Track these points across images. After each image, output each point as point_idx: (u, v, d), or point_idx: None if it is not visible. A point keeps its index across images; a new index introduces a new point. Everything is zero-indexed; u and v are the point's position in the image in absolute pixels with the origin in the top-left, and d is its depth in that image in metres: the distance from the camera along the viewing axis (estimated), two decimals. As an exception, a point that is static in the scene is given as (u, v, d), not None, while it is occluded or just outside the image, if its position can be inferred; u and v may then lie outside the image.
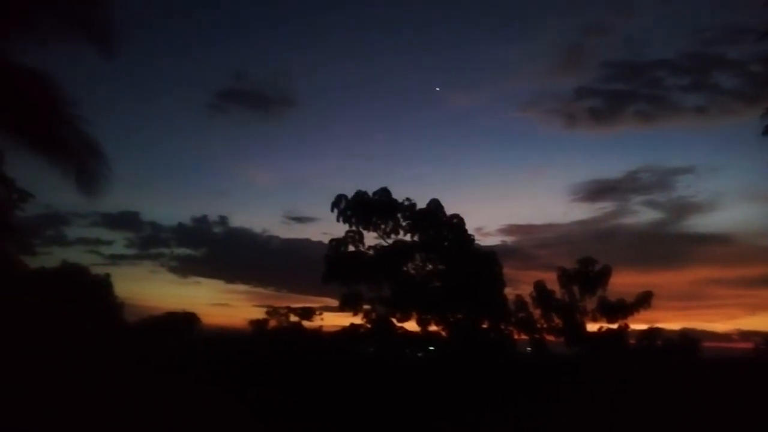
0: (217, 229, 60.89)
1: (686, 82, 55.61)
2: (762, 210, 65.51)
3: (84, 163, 11.19)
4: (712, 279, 51.09)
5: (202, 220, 60.05)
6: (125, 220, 56.65)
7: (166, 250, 58.18)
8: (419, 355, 25.71)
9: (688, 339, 25.18)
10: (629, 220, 59.36)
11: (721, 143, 63.81)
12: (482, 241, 28.43)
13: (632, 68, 56.85)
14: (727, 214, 61.93)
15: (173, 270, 57.61)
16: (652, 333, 24.87)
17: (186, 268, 57.21)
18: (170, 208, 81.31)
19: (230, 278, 54.08)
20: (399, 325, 24.21)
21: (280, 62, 77.71)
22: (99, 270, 29.65)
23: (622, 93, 55.17)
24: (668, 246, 54.72)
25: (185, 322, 32.52)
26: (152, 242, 58.50)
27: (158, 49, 69.68)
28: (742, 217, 68.11)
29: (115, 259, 54.12)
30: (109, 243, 54.84)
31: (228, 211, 70.44)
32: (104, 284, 27.73)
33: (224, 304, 54.02)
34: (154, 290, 57.68)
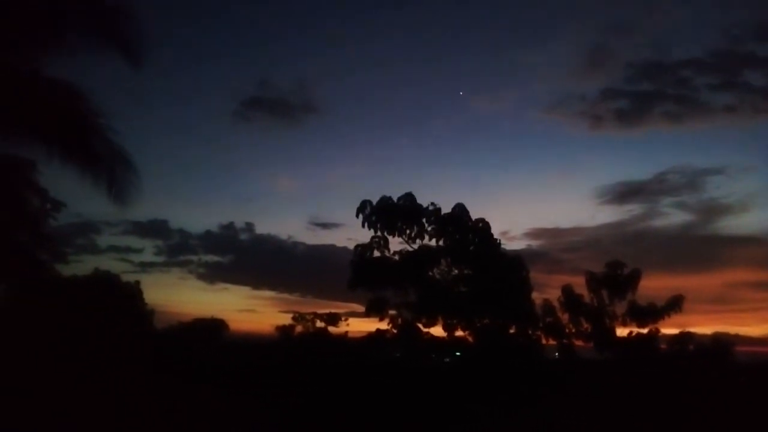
0: (243, 236, 61.78)
1: (715, 81, 54.56)
2: (795, 210, 63.77)
3: (114, 172, 11.48)
4: (745, 282, 49.93)
5: (228, 227, 61.03)
6: (154, 228, 57.95)
7: (194, 257, 59.30)
8: (446, 360, 25.59)
9: (721, 343, 24.54)
10: (658, 223, 58.43)
11: (753, 143, 62.41)
12: (508, 245, 28.34)
13: (659, 68, 56.04)
14: (759, 215, 60.43)
15: (201, 277, 58.61)
16: (684, 337, 24.31)
17: (213, 274, 58.15)
18: (198, 216, 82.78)
19: (257, 284, 54.77)
20: (425, 330, 24.11)
21: (302, 70, 78.66)
22: (129, 277, 30.36)
23: (648, 93, 54.43)
24: (699, 248, 53.66)
25: (213, 328, 32.98)
26: (181, 249, 59.70)
27: (184, 59, 71.10)
28: (775, 218, 66.37)
29: (145, 266, 55.37)
30: (139, 251, 56.17)
31: (254, 218, 71.52)
32: (134, 291, 28.25)
33: (251, 310, 54.72)
34: (183, 297, 58.79)
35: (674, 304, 23.84)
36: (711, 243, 52.03)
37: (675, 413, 19.22)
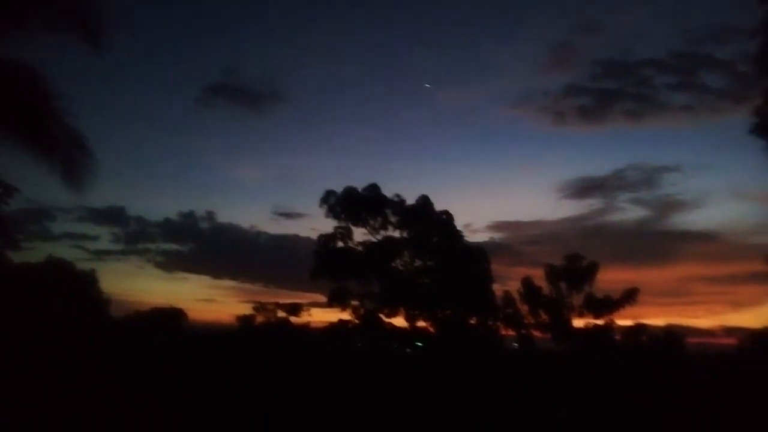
0: (204, 225, 60.68)
1: (674, 81, 56.24)
2: (748, 208, 66.52)
3: (70, 157, 11.07)
4: (697, 276, 51.79)
5: (189, 216, 59.79)
6: (111, 215, 56.28)
7: (152, 246, 57.86)
8: (407, 350, 25.78)
9: (673, 335, 25.45)
10: (616, 218, 60.05)
11: (708, 142, 64.70)
12: (471, 237, 28.65)
13: (621, 67, 57.33)
14: (713, 212, 62.94)
15: (159, 265, 57.31)
16: (638, 329, 25.09)
17: (172, 263, 56.95)
18: (157, 203, 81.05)
19: (217, 274, 53.92)
20: (387, 320, 24.25)
21: (269, 58, 77.50)
22: (85, 265, 29.43)
23: (610, 91, 55.66)
24: (654, 243, 55.41)
25: (171, 317, 32.33)
26: (138, 237, 58.17)
27: (146, 44, 69.22)
28: (728, 215, 69.18)
29: (101, 254, 53.75)
30: (95, 238, 54.46)
31: (215, 207, 70.41)
32: (90, 279, 27.45)
33: (211, 300, 53.90)
34: (140, 286, 57.44)
35: (629, 297, 24.53)
36: (665, 238, 53.82)
37: (629, 403, 19.82)
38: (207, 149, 79.34)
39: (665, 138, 68.43)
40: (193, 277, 57.32)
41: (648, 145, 69.73)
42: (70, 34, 10.33)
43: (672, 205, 56.02)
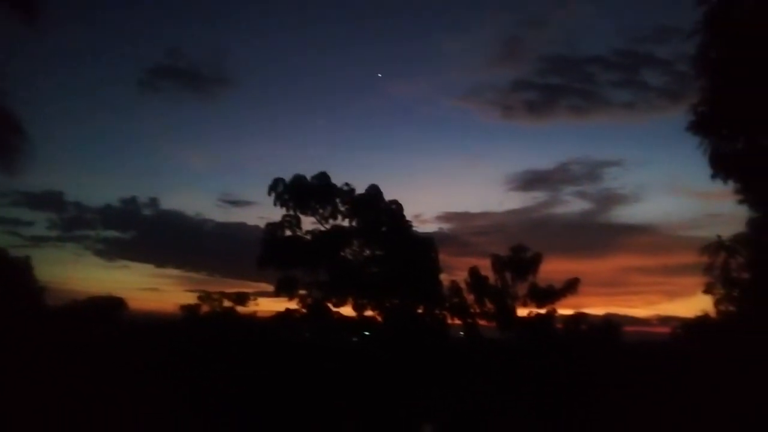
0: (146, 212, 58.71)
1: (616, 79, 58.18)
2: (683, 202, 69.72)
3: (2, 138, 10.50)
4: (635, 267, 53.93)
5: (130, 202, 57.71)
6: (48, 200, 53.70)
7: (91, 233, 55.58)
8: (354, 339, 25.79)
9: (611, 324, 26.36)
10: (560, 210, 61.75)
11: (648, 138, 67.21)
12: (420, 227, 28.82)
13: (567, 63, 58.86)
14: (650, 206, 65.43)
15: (99, 253, 55.14)
16: (578, 317, 25.87)
17: (113, 251, 54.90)
18: (97, 189, 77.87)
19: (160, 262, 52.30)
20: (335, 310, 24.15)
21: (216, 40, 75.38)
22: (18, 252, 28.00)
23: (556, 87, 57.00)
24: (595, 235, 57.32)
25: (110, 306, 31.23)
26: (77, 224, 55.74)
27: (87, 21, 66.02)
28: (665, 209, 72.21)
29: (37, 240, 51.25)
30: (30, 224, 51.86)
31: (159, 193, 68.26)
32: (24, 267, 26.18)
33: (153, 289, 52.29)
34: (79, 274, 55.14)
35: (571, 287, 25.24)
36: (606, 230, 55.76)
37: (570, 388, 20.47)
38: (151, 133, 76.88)
39: (607, 133, 70.90)
40: (135, 265, 55.45)
41: (591, 140, 71.95)
42: (2, 5, 9.74)
43: (613, 199, 58.10)
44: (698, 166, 10.50)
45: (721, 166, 10.54)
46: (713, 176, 10.63)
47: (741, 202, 12.58)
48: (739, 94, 9.87)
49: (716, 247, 13.88)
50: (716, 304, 18.25)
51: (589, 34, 72.90)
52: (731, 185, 10.94)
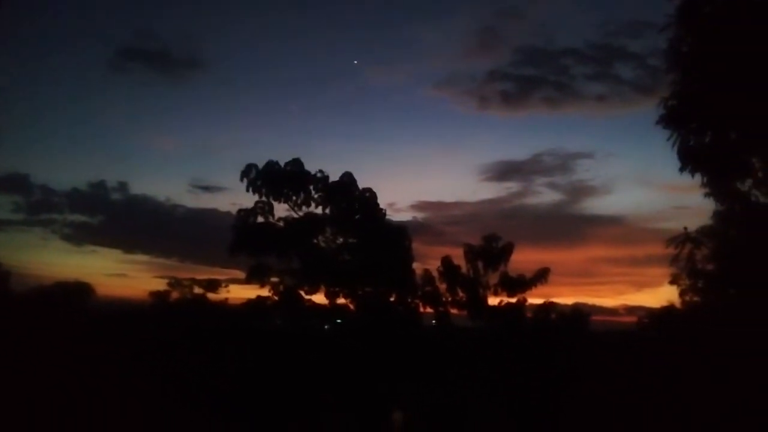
0: (115, 196, 57.58)
1: (590, 71, 58.65)
2: (652, 195, 71.08)
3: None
4: (604, 257, 54.90)
5: (99, 186, 56.54)
6: (12, 183, 52.37)
7: (58, 216, 54.36)
8: (326, 327, 25.75)
9: (580, 313, 26.76)
10: (532, 201, 62.35)
11: (619, 131, 68.19)
12: (394, 216, 28.67)
13: (542, 54, 59.12)
14: (620, 198, 66.51)
15: (66, 238, 53.98)
16: (548, 307, 26.16)
17: (81, 235, 53.80)
18: (64, 172, 75.82)
19: (129, 248, 51.38)
20: (307, 297, 24.05)
21: (187, 22, 73.71)
22: (-20, 236, 27.19)
23: (531, 78, 57.35)
24: (566, 226, 58.12)
25: (77, 292, 30.63)
26: (43, 207, 54.45)
27: (54, 1, 63.97)
28: (634, 201, 73.53)
29: (1, 224, 50.00)
30: (-6, 207, 50.49)
31: (128, 177, 66.46)
32: (-15, 251, 25.46)
33: (122, 275, 51.40)
34: (45, 259, 53.85)
35: (541, 276, 25.49)
36: (577, 221, 56.58)
37: (539, 375, 20.78)
38: (120, 116, 75.07)
39: (580, 125, 71.75)
40: (103, 250, 54.38)
41: (564, 131, 72.74)
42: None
43: (584, 190, 58.93)
44: (667, 160, 10.67)
45: (689, 160, 10.70)
46: (681, 169, 10.80)
47: (707, 195, 12.82)
48: (709, 88, 10.01)
49: (682, 239, 14.12)
50: (681, 294, 18.63)
51: (564, 26, 73.40)
52: (698, 178, 11.12)
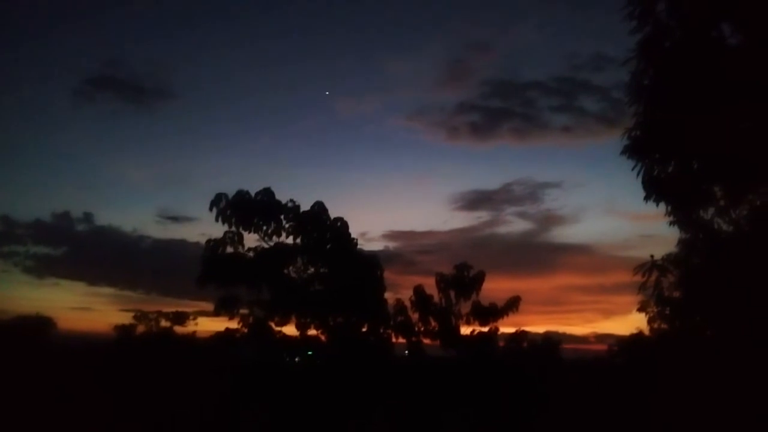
0: (80, 227, 56.74)
1: (556, 103, 60.78)
2: (619, 223, 72.72)
3: None
4: (573, 286, 55.77)
5: (63, 217, 55.67)
6: (-28, 213, 50.84)
7: (20, 248, 53.28)
8: (297, 359, 25.33)
9: (551, 341, 26.94)
10: (503, 230, 63.32)
11: (585, 161, 70.30)
12: (366, 245, 28.61)
13: (509, 87, 60.98)
14: (588, 226, 68.15)
15: (28, 270, 52.75)
16: (519, 335, 26.26)
17: (43, 268, 52.66)
18: (27, 202, 74.45)
19: (94, 280, 50.41)
20: (277, 329, 23.67)
21: (158, 52, 73.87)
22: (-64, 267, 26.25)
23: (499, 110, 59.04)
24: (536, 254, 59.01)
25: (38, 327, 29.74)
26: (5, 239, 53.41)
27: (22, 29, 63.26)
28: (601, 230, 75.14)
29: (-42, 256, 48.29)
30: (-48, 238, 48.87)
31: (94, 208, 65.97)
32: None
33: (86, 308, 50.15)
34: (5, 292, 52.51)
35: (512, 305, 25.58)
36: (546, 250, 57.59)
37: (510, 402, 20.72)
38: (87, 146, 74.35)
39: (548, 156, 73.63)
40: (66, 283, 53.22)
41: (533, 162, 75.08)
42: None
43: (553, 219, 60.30)
44: (633, 189, 10.91)
45: (653, 189, 10.93)
46: (646, 198, 11.02)
47: (672, 223, 13.14)
48: (670, 120, 10.32)
49: (648, 266, 14.38)
50: (650, 321, 18.91)
51: (530, 60, 76.05)
52: (663, 207, 11.37)
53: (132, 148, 72.90)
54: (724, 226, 13.90)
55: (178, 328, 29.95)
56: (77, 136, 69.41)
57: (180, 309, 30.80)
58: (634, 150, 10.96)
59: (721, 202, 12.97)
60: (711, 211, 13.48)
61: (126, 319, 30.97)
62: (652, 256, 14.58)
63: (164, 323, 30.26)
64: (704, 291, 13.74)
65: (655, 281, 14.54)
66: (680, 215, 12.64)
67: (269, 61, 72.41)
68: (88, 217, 56.27)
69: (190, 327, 30.30)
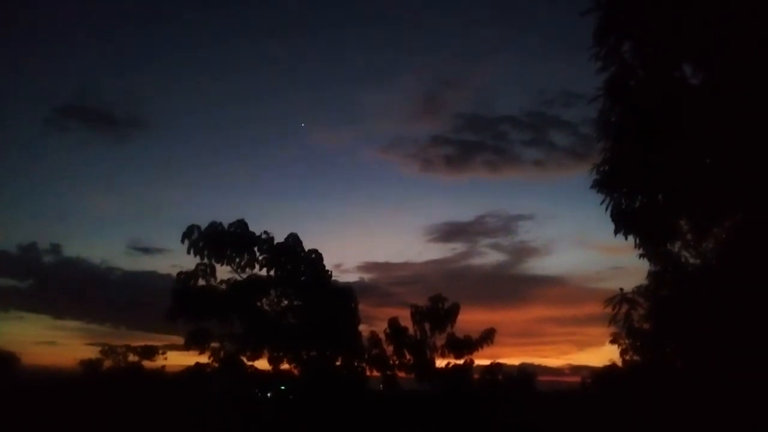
0: (47, 258, 55.24)
1: (527, 138, 61.93)
2: (590, 255, 73.58)
3: None
4: (547, 317, 56.04)
5: (29, 248, 54.24)
6: (-67, 244, 49.28)
7: (-17, 281, 51.31)
8: (269, 394, 24.84)
9: (526, 373, 26.93)
10: (477, 261, 63.62)
11: (557, 194, 71.33)
12: (341, 277, 28.55)
13: (481, 121, 62.06)
14: (560, 258, 68.82)
15: (-9, 303, 50.78)
16: (494, 368, 26.21)
17: (7, 301, 50.96)
18: (-9, 233, 72.06)
19: (60, 313, 48.86)
20: (249, 363, 23.20)
21: (130, 81, 73.41)
22: None
23: (472, 143, 59.98)
24: (510, 286, 59.30)
25: (1, 362, 28.73)
26: (-34, 270, 51.33)
27: (-12, 52, 62.47)
28: (574, 262, 76.01)
29: None
30: None
31: (62, 239, 64.24)
32: None
33: (51, 342, 48.57)
34: (-33, 326, 50.37)
35: (487, 337, 25.57)
36: (520, 281, 57.97)
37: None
38: (55, 175, 73.03)
39: (520, 189, 74.76)
40: (31, 316, 51.43)
41: (505, 194, 75.86)
42: None
43: (526, 251, 60.83)
44: (603, 222, 11.09)
45: (622, 222, 11.14)
46: (616, 231, 11.21)
47: (641, 256, 13.37)
48: (636, 156, 10.60)
49: (618, 299, 14.58)
50: (622, 353, 19.10)
51: (502, 95, 77.65)
52: (632, 240, 11.58)
53: (102, 178, 71.97)
54: (691, 259, 14.23)
55: (146, 363, 29.22)
56: (46, 166, 68.30)
57: (149, 343, 30.12)
58: (603, 184, 11.20)
59: (688, 236, 13.30)
60: (678, 244, 13.81)
61: (93, 353, 30.13)
62: (621, 289, 14.80)
63: (132, 357, 29.51)
64: (673, 323, 13.95)
65: (625, 314, 14.73)
66: (649, 248, 12.87)
67: (243, 91, 72.85)
68: (55, 248, 54.89)
69: (159, 361, 29.60)
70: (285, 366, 23.61)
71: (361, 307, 25.48)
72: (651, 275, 15.52)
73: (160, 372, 28.22)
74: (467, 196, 77.60)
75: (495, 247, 67.89)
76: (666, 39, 9.77)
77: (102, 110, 60.98)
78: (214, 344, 23.13)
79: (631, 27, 10.19)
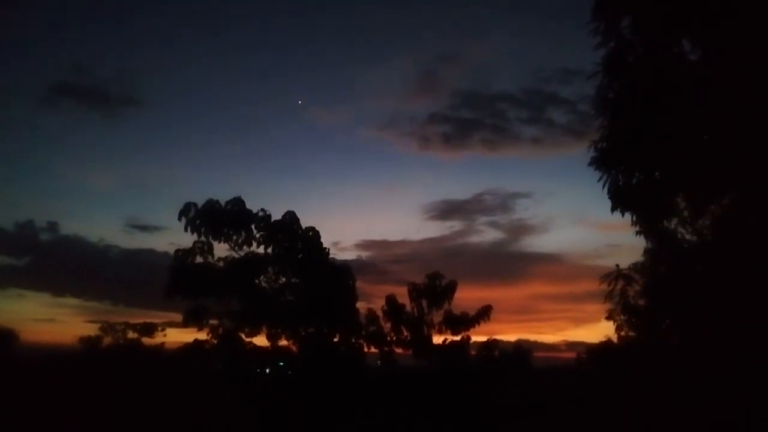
0: (44, 236, 55.12)
1: (525, 115, 61.52)
2: (587, 233, 73.83)
3: None
4: (544, 294, 56.32)
5: (27, 226, 54.09)
6: (-70, 222, 49.23)
7: (-19, 258, 51.34)
8: (267, 370, 25.05)
9: (522, 350, 27.14)
10: (474, 239, 63.68)
11: (554, 172, 71.16)
12: (338, 255, 28.62)
13: (479, 99, 61.55)
14: (558, 236, 68.86)
15: (-11, 281, 50.88)
16: (491, 344, 26.42)
17: (5, 279, 50.93)
18: (-12, 211, 71.91)
19: (59, 291, 48.88)
20: (247, 340, 23.38)
21: (124, 58, 72.50)
22: None
23: (470, 121, 59.56)
24: (507, 263, 59.50)
25: (1, 339, 28.84)
26: (-36, 248, 51.33)
27: (-18, 31, 61.68)
28: (571, 239, 76.19)
29: None
30: None
31: (59, 217, 64.04)
32: None
33: (51, 320, 48.77)
34: (-34, 303, 50.49)
35: (484, 314, 25.75)
36: (517, 259, 58.13)
37: (484, 415, 20.78)
38: (51, 153, 72.47)
39: (518, 166, 74.48)
40: (30, 294, 51.49)
41: (503, 172, 75.53)
42: None
43: (523, 229, 60.85)
44: (600, 199, 11.04)
45: (619, 200, 11.10)
46: (613, 209, 11.18)
47: (638, 233, 13.37)
48: (634, 133, 10.53)
49: (614, 275, 14.62)
50: (617, 329, 19.24)
51: (499, 72, 76.95)
52: (629, 217, 11.57)
53: (99, 156, 71.41)
54: (688, 236, 14.24)
55: (146, 340, 29.38)
56: (42, 144, 67.81)
57: (148, 320, 30.24)
58: (600, 162, 11.14)
59: (684, 213, 13.29)
60: (675, 221, 13.81)
61: (92, 330, 30.25)
62: (617, 266, 14.83)
63: (131, 335, 29.63)
64: (668, 299, 14.02)
65: (621, 290, 14.79)
66: (645, 225, 12.87)
67: (240, 69, 72.18)
68: (52, 226, 54.78)
69: (158, 338, 29.74)
70: (283, 342, 23.84)
71: (359, 284, 25.66)
72: (647, 252, 15.55)
73: (160, 349, 28.39)
74: (465, 174, 77.48)
75: (492, 224, 67.89)
76: (665, 14, 9.63)
77: (98, 88, 60.30)
78: (213, 321, 23.30)
79: (630, 1, 10.05)
